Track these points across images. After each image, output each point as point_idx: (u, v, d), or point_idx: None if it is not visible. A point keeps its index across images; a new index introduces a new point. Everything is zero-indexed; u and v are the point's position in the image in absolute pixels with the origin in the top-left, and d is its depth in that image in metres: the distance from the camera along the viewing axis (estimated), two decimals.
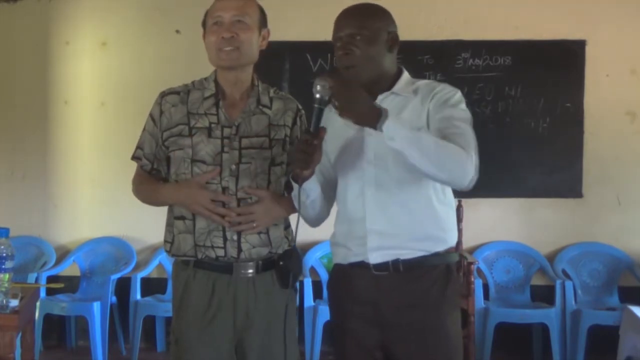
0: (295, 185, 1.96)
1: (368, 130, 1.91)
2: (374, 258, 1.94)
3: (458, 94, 1.96)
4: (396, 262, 1.93)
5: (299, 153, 1.85)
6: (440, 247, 1.97)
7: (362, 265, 1.96)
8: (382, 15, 2.00)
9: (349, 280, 2.00)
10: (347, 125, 1.96)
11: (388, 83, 2.00)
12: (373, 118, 1.75)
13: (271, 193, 2.06)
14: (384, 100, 1.97)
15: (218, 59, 2.07)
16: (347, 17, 1.97)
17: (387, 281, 1.94)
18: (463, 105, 1.94)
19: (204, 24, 2.12)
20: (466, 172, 1.79)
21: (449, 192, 2.00)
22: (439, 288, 1.96)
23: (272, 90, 2.19)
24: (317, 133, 1.84)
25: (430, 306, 1.94)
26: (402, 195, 1.94)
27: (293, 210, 2.08)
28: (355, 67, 1.93)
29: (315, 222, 2.11)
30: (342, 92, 1.76)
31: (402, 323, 1.94)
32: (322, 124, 1.89)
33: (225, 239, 2.03)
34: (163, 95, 2.14)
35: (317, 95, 1.81)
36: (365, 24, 1.94)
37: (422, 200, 1.94)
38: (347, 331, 2.00)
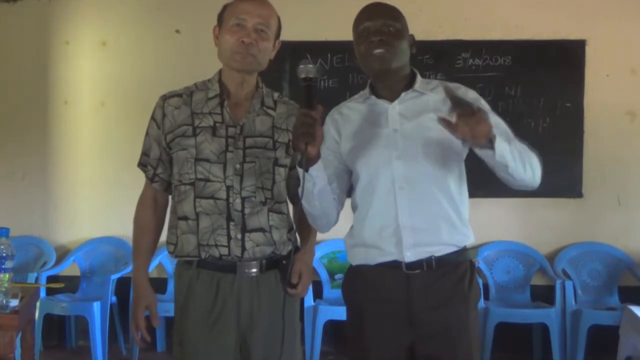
0: (301, 172, 1.91)
1: (393, 127, 1.97)
2: (409, 256, 1.94)
3: (480, 98, 2.04)
4: (429, 260, 1.95)
5: (301, 126, 1.82)
6: (467, 241, 2.00)
7: (392, 265, 1.96)
8: (402, 16, 2.04)
9: (374, 281, 1.99)
10: (367, 123, 2.01)
11: (406, 82, 2.04)
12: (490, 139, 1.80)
13: (300, 258, 2.15)
14: (405, 98, 2.01)
15: (232, 60, 2.06)
16: (376, 10, 2.01)
17: (418, 279, 1.95)
18: (488, 107, 2.00)
19: (219, 18, 2.11)
20: (540, 172, 1.96)
21: (465, 187, 2.05)
22: (465, 285, 1.98)
23: (276, 95, 2.19)
24: (313, 108, 1.84)
25: (457, 303, 1.96)
26: (433, 190, 1.96)
27: (314, 234, 2.21)
28: (387, 53, 1.95)
29: (322, 220, 2.06)
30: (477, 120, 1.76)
31: (431, 321, 1.94)
32: (336, 123, 2.04)
33: (229, 238, 2.03)
34: (165, 98, 2.13)
35: (303, 75, 1.85)
36: (396, 18, 1.99)
37: (449, 194, 1.97)
38: (372, 334, 1.98)
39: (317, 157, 1.90)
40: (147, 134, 2.16)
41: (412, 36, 2.04)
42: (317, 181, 1.93)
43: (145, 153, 2.17)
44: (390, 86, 2.01)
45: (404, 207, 1.95)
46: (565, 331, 4.29)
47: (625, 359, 3.49)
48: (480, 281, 4.35)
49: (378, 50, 1.94)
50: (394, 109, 2.00)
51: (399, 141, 1.97)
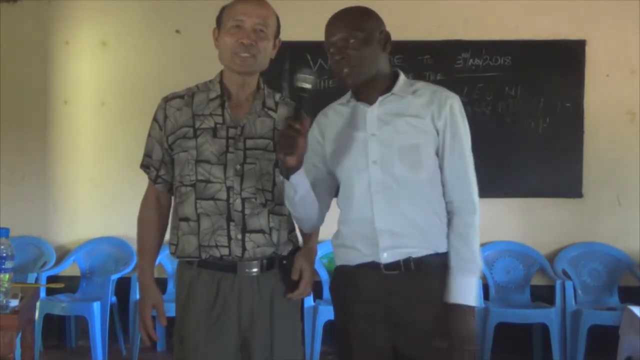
0: (285, 181, 1.95)
1: (370, 131, 1.96)
2: (386, 258, 1.94)
3: (463, 114, 2.00)
4: (407, 261, 1.94)
5: (283, 137, 1.85)
6: (445, 248, 1.97)
7: (372, 266, 1.96)
8: (371, 15, 2.00)
9: (356, 282, 1.99)
10: (348, 126, 2.00)
11: (385, 84, 2.01)
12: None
13: (301, 256, 2.14)
14: (384, 102, 1.98)
15: (232, 62, 2.06)
16: (337, 21, 1.97)
17: (397, 280, 1.94)
18: (467, 128, 1.99)
19: (218, 20, 2.11)
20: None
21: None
22: (444, 287, 1.95)
23: (277, 96, 2.19)
24: (301, 120, 1.85)
25: (436, 304, 1.94)
26: (409, 194, 1.95)
27: (316, 233, 2.20)
28: (353, 69, 1.93)
29: (306, 223, 2.09)
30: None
31: (412, 322, 1.94)
32: (321, 126, 2.04)
33: (229, 238, 2.03)
34: (166, 100, 2.14)
35: (300, 84, 1.88)
36: (357, 25, 1.95)
37: (428, 198, 1.96)
38: (355, 334, 1.99)
39: (298, 165, 1.91)
40: (149, 135, 2.17)
41: (385, 34, 1.99)
42: (298, 188, 1.95)
43: (147, 154, 2.18)
44: (369, 91, 1.99)
45: (380, 211, 1.95)
46: (565, 331, 4.29)
47: (625, 359, 3.48)
48: (480, 281, 4.37)
49: (344, 70, 1.94)
50: (372, 113, 1.99)
51: (375, 145, 1.96)
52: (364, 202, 1.97)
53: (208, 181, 2.05)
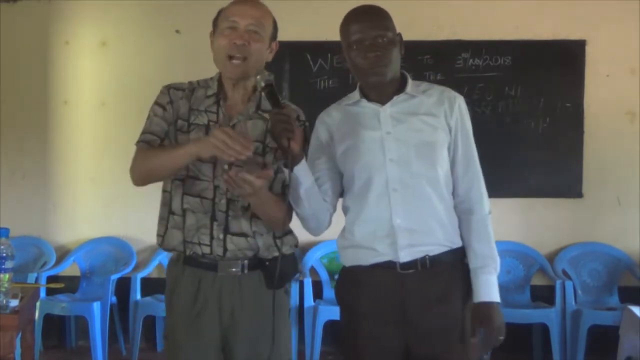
0: (288, 174, 1.92)
1: (386, 130, 1.99)
2: (404, 256, 1.95)
3: (468, 113, 2.06)
4: (423, 260, 1.95)
5: (278, 123, 1.87)
6: (459, 243, 2.02)
7: (387, 265, 1.96)
8: (390, 17, 2.02)
9: (366, 282, 1.99)
10: (359, 126, 2.02)
11: (397, 85, 2.03)
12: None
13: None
14: (396, 101, 2.01)
15: (224, 67, 2.05)
16: (366, 19, 1.97)
17: (412, 279, 1.95)
18: (471, 128, 2.05)
19: (214, 22, 2.11)
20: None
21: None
22: (459, 284, 1.99)
23: None
24: (281, 107, 1.90)
25: (451, 302, 1.96)
26: (426, 191, 1.97)
27: (283, 214, 2.00)
28: (385, 68, 1.95)
29: (312, 222, 2.07)
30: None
31: (425, 320, 1.95)
32: (327, 126, 2.06)
33: (211, 237, 2.03)
34: (169, 87, 2.13)
35: (263, 84, 1.93)
36: (387, 25, 1.97)
37: (443, 194, 1.99)
38: (365, 334, 1.99)
39: (301, 156, 1.93)
40: (148, 117, 2.11)
41: (399, 35, 2.02)
42: (303, 180, 1.95)
43: (146, 131, 2.08)
44: (382, 90, 2.01)
45: (397, 209, 1.96)
46: (565, 331, 4.29)
47: (626, 359, 3.49)
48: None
49: (377, 68, 1.95)
50: (385, 112, 2.01)
51: (392, 143, 1.98)
52: (381, 201, 1.97)
53: (197, 178, 2.04)
